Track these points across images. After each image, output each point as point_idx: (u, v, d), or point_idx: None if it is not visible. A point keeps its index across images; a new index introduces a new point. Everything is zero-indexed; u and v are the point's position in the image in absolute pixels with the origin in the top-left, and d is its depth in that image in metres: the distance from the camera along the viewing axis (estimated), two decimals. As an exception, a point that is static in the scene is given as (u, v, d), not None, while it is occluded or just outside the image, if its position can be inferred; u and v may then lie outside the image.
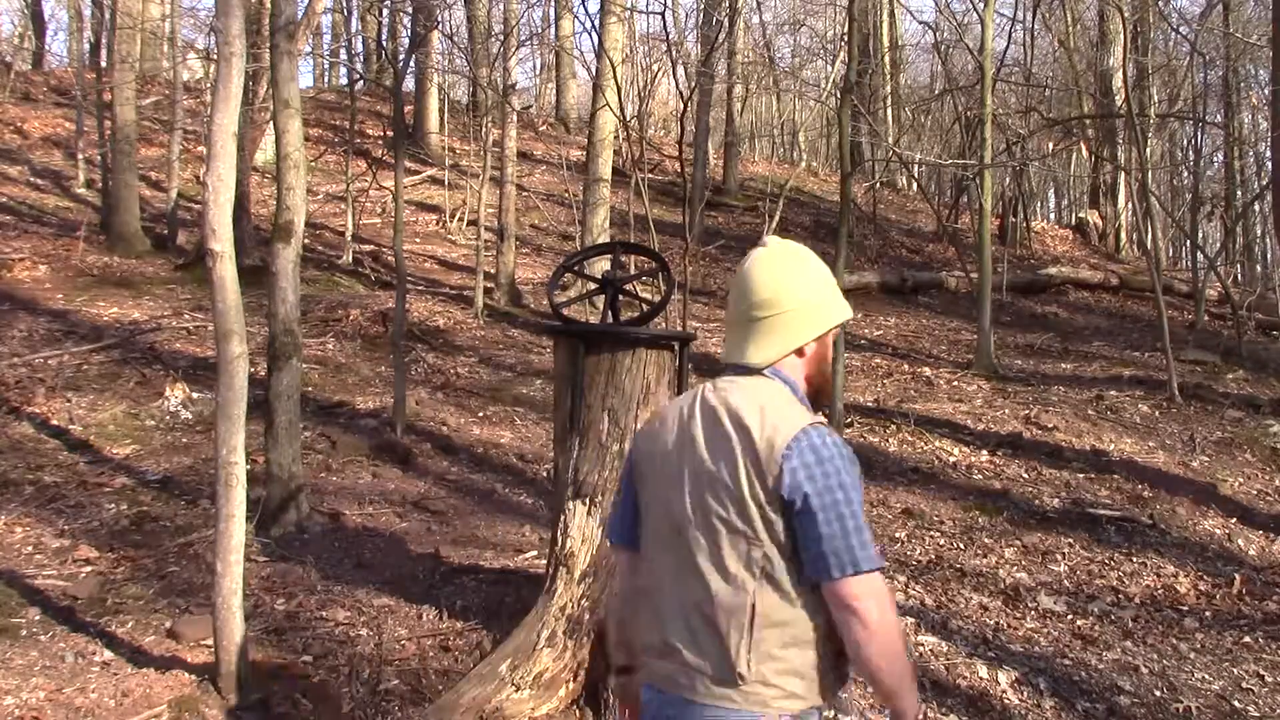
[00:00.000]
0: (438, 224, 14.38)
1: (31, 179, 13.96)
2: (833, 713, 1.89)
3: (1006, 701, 3.80)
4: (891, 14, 20.05)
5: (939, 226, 15.91)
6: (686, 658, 1.79)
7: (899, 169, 19.13)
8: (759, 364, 1.89)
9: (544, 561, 4.07)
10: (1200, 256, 12.93)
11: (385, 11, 17.30)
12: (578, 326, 3.80)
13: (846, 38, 11.63)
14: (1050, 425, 7.47)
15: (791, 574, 1.75)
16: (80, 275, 10.09)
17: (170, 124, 13.42)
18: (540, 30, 20.21)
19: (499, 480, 6.24)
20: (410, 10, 12.36)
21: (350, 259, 11.72)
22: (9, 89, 17.01)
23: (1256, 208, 16.82)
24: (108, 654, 3.73)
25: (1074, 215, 20.40)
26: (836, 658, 1.78)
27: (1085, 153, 17.94)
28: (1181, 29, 14.48)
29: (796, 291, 1.89)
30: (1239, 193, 17.66)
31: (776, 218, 10.45)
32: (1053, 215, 25.04)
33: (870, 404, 8.18)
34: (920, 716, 1.74)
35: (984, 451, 6.99)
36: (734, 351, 1.92)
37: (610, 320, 3.82)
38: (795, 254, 1.94)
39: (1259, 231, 20.32)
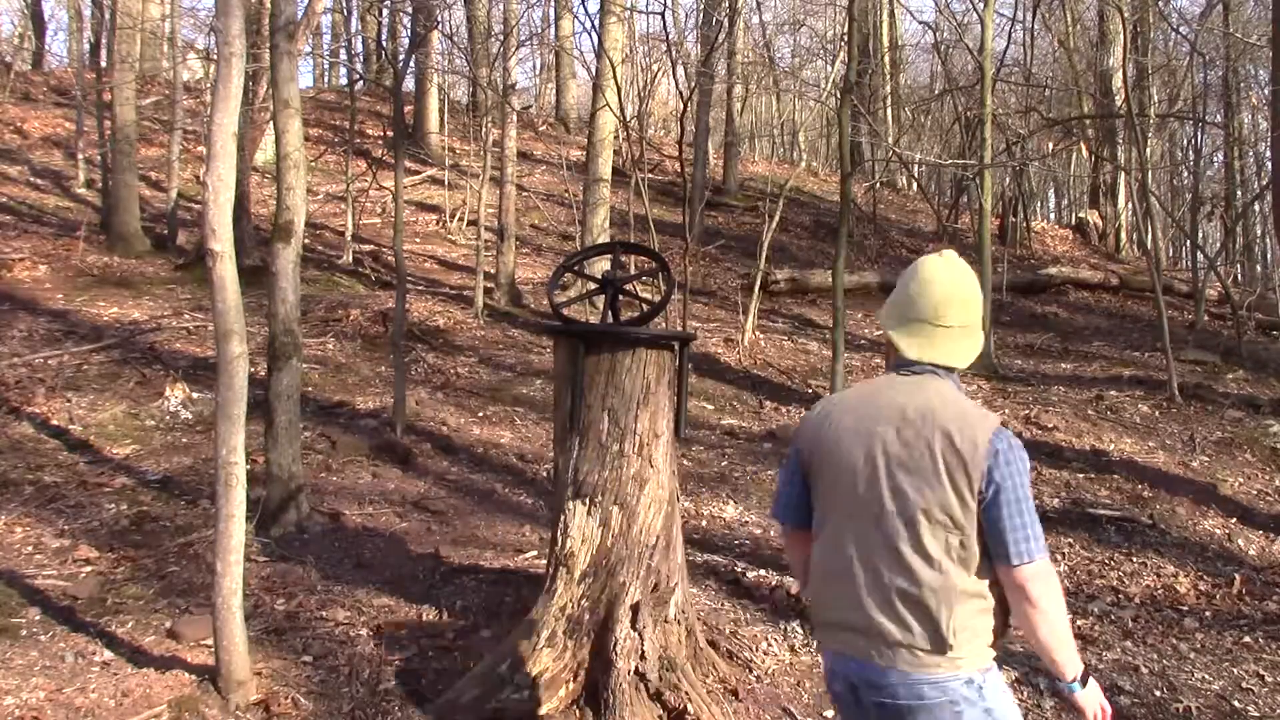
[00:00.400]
0: (438, 224, 14.39)
1: (31, 179, 13.96)
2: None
3: (1006, 701, 3.80)
4: (891, 14, 20.06)
5: (939, 226, 15.91)
6: (892, 634, 2.00)
7: (899, 169, 19.13)
8: (959, 366, 2.13)
9: (544, 561, 4.07)
10: (1200, 256, 12.93)
11: (385, 11, 17.31)
12: (578, 326, 3.80)
13: (846, 38, 11.64)
14: (1050, 425, 7.47)
15: (978, 555, 2.00)
16: (80, 275, 10.09)
17: (170, 124, 13.42)
18: (540, 30, 20.24)
19: (499, 480, 6.23)
20: (410, 10, 12.37)
21: (350, 259, 11.72)
22: (9, 89, 17.01)
23: (1256, 208, 16.83)
24: (108, 654, 3.73)
25: (1074, 215, 20.40)
26: (1004, 619, 2.05)
27: (1085, 153, 17.94)
28: (1181, 29, 14.49)
29: (980, 305, 2.18)
30: (1239, 193, 17.66)
31: (776, 218, 10.46)
32: (1053, 215, 25.06)
33: (870, 404, 8.17)
34: (1080, 672, 2.05)
35: (984, 451, 6.98)
36: (927, 352, 2.11)
37: (610, 320, 3.82)
38: (970, 270, 2.19)
39: (1259, 231, 20.33)
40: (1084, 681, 2.03)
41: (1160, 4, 14.71)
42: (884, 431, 2.05)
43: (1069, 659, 2.01)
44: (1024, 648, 4.26)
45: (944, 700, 1.97)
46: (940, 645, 1.97)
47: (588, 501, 3.57)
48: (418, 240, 13.32)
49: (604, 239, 10.26)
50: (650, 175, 15.51)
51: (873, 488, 2.04)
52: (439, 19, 12.70)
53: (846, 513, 2.08)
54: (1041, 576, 1.97)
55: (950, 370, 2.12)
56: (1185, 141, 20.55)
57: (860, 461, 2.06)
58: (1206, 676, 4.19)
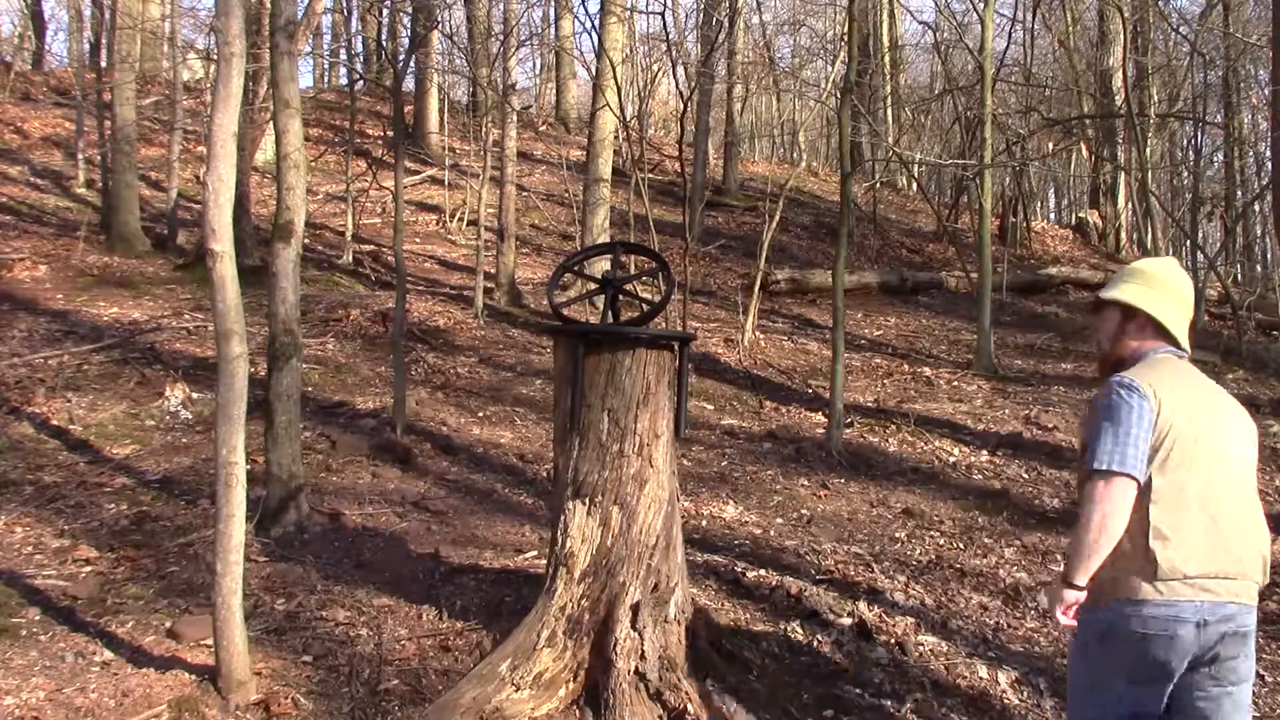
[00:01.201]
0: (438, 224, 14.39)
1: (31, 179, 13.97)
2: None
3: (1006, 701, 3.80)
4: (891, 14, 20.06)
5: (939, 226, 15.91)
6: (1254, 575, 2.45)
7: (899, 169, 19.13)
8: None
9: (544, 561, 4.07)
10: (1200, 256, 12.93)
11: (385, 11, 17.31)
12: (578, 326, 3.80)
13: (846, 38, 11.64)
14: (1050, 425, 7.47)
15: None
16: (80, 275, 10.10)
17: (170, 124, 13.43)
18: (540, 30, 20.25)
19: (499, 480, 6.24)
20: (410, 10, 12.37)
21: (350, 259, 11.72)
22: (9, 89, 17.03)
23: (1256, 208, 16.83)
24: (108, 654, 3.73)
25: (1074, 215, 20.39)
26: None
27: (1085, 153, 17.94)
28: (1181, 29, 14.49)
29: None
30: (1239, 193, 17.66)
31: (776, 218, 10.47)
32: (1053, 215, 25.06)
33: (870, 404, 8.18)
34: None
35: (984, 451, 6.99)
36: (1186, 343, 2.61)
37: (610, 320, 3.82)
38: None
39: (1259, 231, 20.32)
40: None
41: (1160, 4, 14.71)
42: (1219, 404, 2.52)
43: None
44: (1023, 648, 4.27)
45: (1254, 622, 2.48)
46: (1264, 580, 2.49)
47: (588, 501, 3.57)
48: (418, 240, 13.32)
49: (604, 239, 10.27)
50: (650, 175, 15.52)
51: (1228, 453, 2.46)
52: (439, 19, 12.70)
53: (1209, 476, 2.43)
54: None
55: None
56: (1185, 141, 20.56)
57: (1217, 430, 2.47)
58: (1206, 676, 4.18)
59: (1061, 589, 2.47)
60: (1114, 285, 2.70)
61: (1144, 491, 2.41)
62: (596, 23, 11.04)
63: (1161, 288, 2.62)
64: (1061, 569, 2.53)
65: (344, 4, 22.02)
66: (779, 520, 5.77)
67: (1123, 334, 2.64)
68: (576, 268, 4.38)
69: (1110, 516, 2.39)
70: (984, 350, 9.31)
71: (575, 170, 14.01)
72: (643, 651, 3.43)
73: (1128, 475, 2.38)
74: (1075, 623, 2.50)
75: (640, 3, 19.75)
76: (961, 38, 13.05)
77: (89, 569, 4.55)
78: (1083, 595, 2.46)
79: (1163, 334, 2.59)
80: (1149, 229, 10.58)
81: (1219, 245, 16.45)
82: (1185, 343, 2.58)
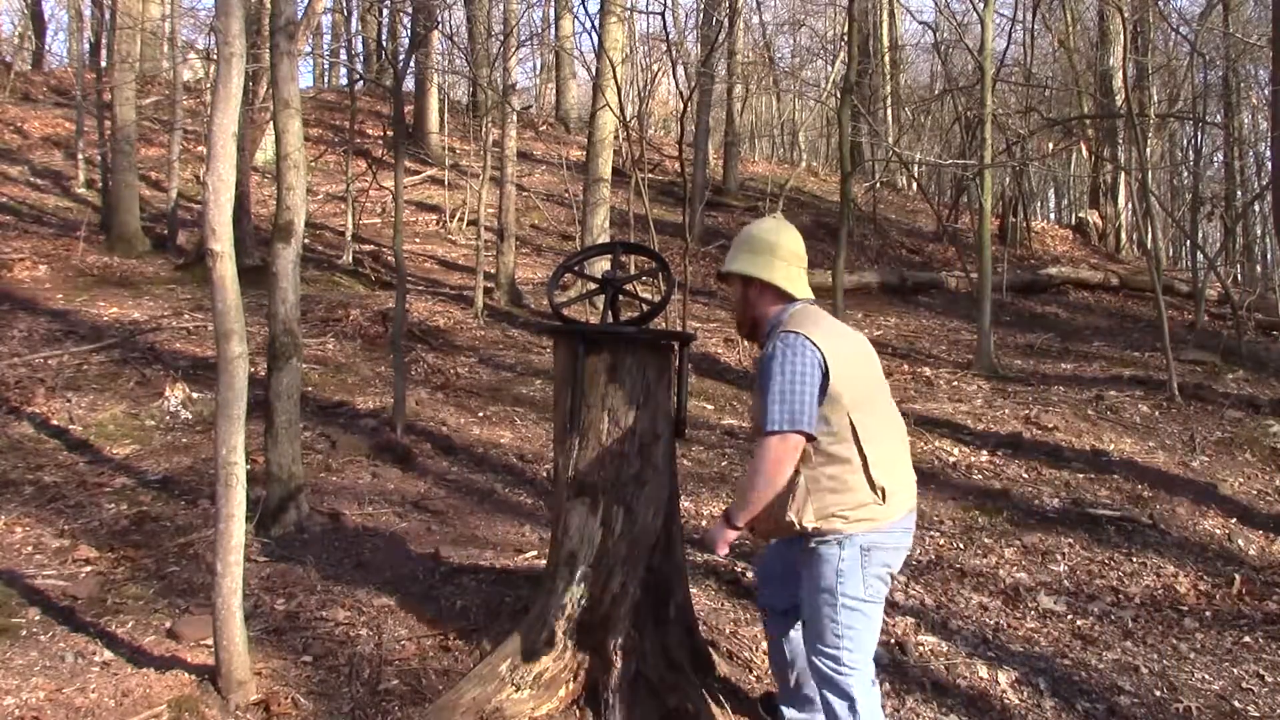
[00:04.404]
0: (438, 224, 14.39)
1: (31, 179, 13.97)
2: None
3: (1006, 701, 3.80)
4: (891, 14, 20.08)
5: (939, 226, 15.92)
6: (913, 489, 2.86)
7: (899, 169, 19.13)
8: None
9: (544, 561, 4.07)
10: (1200, 256, 12.92)
11: (385, 11, 17.31)
12: (578, 326, 3.79)
13: (846, 38, 11.63)
14: (1050, 425, 7.47)
15: None
16: (80, 275, 10.10)
17: (170, 124, 13.44)
18: (540, 30, 20.26)
19: (499, 480, 6.23)
20: (410, 10, 12.36)
21: (350, 259, 11.72)
22: (9, 89, 17.03)
23: (1256, 208, 16.83)
24: (108, 654, 3.72)
25: (1074, 215, 20.40)
26: None
27: (1085, 153, 17.95)
28: (1181, 29, 14.47)
29: None
30: (1239, 193, 17.65)
31: (776, 218, 10.46)
32: (1053, 215, 25.07)
33: (870, 404, 8.17)
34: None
35: (984, 451, 6.98)
36: (809, 291, 2.94)
37: (610, 320, 3.81)
38: None
39: (1259, 231, 20.33)
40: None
41: (1160, 4, 14.71)
42: (867, 348, 2.86)
43: None
44: (1023, 648, 4.27)
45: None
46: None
47: (588, 501, 3.57)
48: (418, 240, 13.33)
49: (604, 239, 10.27)
50: (650, 175, 15.53)
51: (886, 388, 2.86)
52: (439, 19, 12.70)
53: (885, 410, 2.81)
54: None
55: None
56: (1185, 141, 20.56)
57: (877, 370, 2.83)
58: (1206, 676, 4.19)
59: (726, 530, 2.80)
60: (730, 258, 2.99)
61: (852, 431, 2.70)
62: (596, 23, 11.04)
63: (770, 251, 2.92)
64: (725, 511, 2.82)
65: (344, 4, 22.05)
66: (779, 520, 5.77)
67: (748, 299, 2.93)
68: (576, 268, 4.37)
69: (782, 473, 2.66)
70: (984, 350, 9.30)
71: (575, 170, 14.02)
72: (643, 651, 3.43)
73: (800, 432, 2.62)
74: (725, 554, 3.11)
75: (640, 3, 19.73)
76: (961, 38, 13.04)
77: (89, 569, 4.55)
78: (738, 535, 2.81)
79: (780, 291, 2.89)
80: (1149, 229, 10.58)
81: (1219, 245, 16.45)
82: (807, 291, 2.89)
